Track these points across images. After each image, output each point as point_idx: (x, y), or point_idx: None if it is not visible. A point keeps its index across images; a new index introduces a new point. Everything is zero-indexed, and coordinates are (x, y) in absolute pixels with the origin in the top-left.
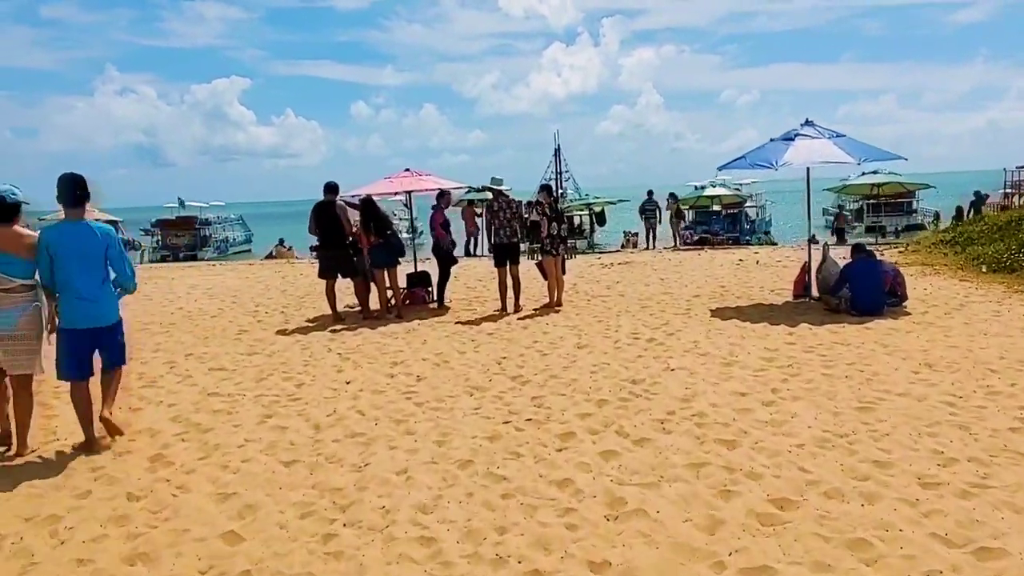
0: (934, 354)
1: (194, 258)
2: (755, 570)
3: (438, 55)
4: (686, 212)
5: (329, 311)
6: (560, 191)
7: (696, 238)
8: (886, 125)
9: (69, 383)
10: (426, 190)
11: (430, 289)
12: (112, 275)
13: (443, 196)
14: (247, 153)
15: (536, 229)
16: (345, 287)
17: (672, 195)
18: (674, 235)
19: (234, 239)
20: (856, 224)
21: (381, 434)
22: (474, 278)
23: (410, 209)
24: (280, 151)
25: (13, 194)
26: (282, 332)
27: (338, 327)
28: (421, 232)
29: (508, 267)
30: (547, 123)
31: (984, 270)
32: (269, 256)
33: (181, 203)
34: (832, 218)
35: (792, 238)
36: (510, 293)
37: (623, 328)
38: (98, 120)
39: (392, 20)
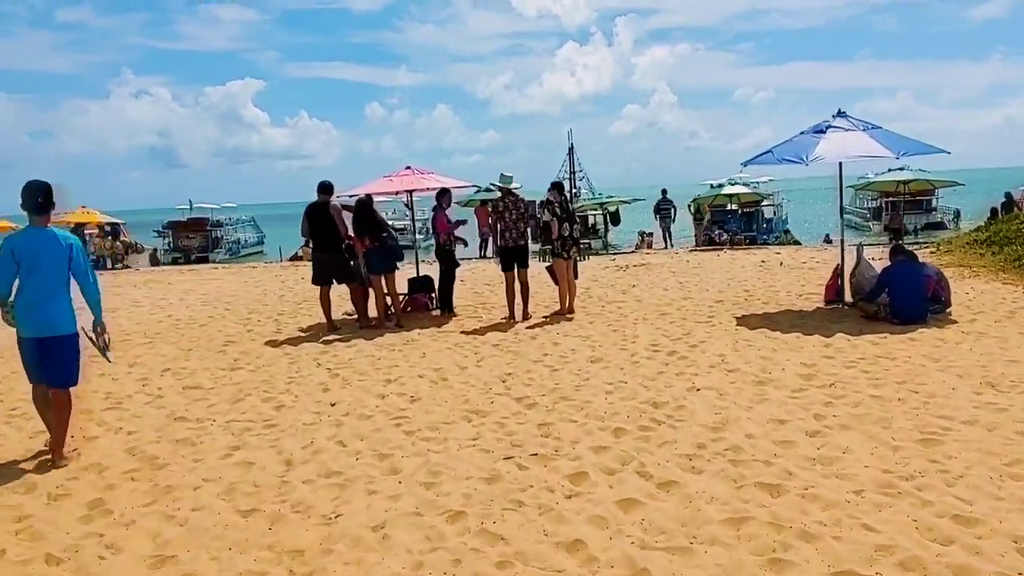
0: (994, 371)
1: (205, 260)
2: None
3: (451, 56)
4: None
5: (324, 320)
6: (574, 190)
7: (724, 238)
8: (903, 122)
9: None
10: (428, 189)
11: (433, 295)
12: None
13: (444, 195)
14: (261, 155)
15: (547, 230)
16: (343, 293)
17: (695, 200)
18: (696, 237)
19: (246, 241)
20: (874, 223)
21: (361, 473)
22: (482, 282)
23: (411, 209)
24: (294, 152)
25: None
26: (271, 343)
27: (332, 337)
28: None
29: (516, 271)
30: (560, 123)
31: None
32: (294, 257)
33: (191, 205)
34: (851, 216)
35: (809, 238)
36: (518, 299)
37: (641, 339)
38: (113, 122)
39: (405, 21)
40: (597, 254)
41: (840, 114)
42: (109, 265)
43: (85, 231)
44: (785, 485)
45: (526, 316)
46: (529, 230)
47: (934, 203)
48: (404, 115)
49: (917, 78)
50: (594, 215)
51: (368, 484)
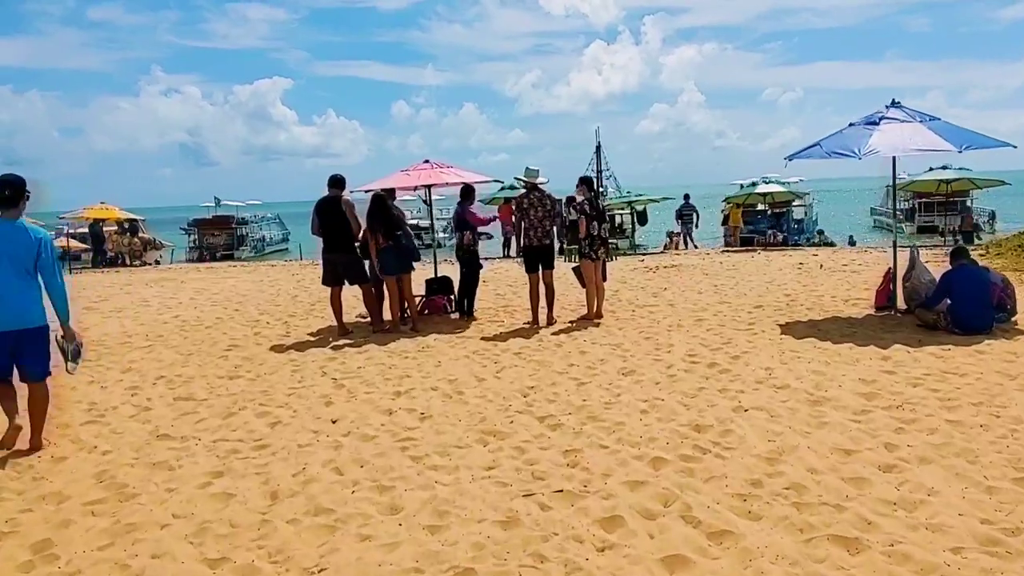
0: None
1: (231, 257)
2: None
3: (478, 54)
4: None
5: (335, 323)
6: (600, 189)
7: (780, 237)
8: None
9: None
10: (447, 184)
11: (452, 297)
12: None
13: (470, 193)
14: (289, 153)
15: (575, 229)
16: (357, 294)
17: (728, 200)
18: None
19: (271, 238)
20: (907, 224)
21: (355, 511)
22: (505, 283)
23: (430, 206)
24: (322, 151)
25: None
26: (277, 348)
27: (342, 342)
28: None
29: (540, 273)
30: (587, 122)
31: None
32: None
33: (217, 202)
34: (882, 217)
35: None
36: (543, 303)
37: (676, 348)
38: (144, 120)
39: (432, 20)
40: (624, 254)
41: (894, 104)
42: (127, 262)
43: (103, 227)
44: (865, 539)
45: (551, 321)
46: (555, 229)
47: (969, 204)
48: (431, 114)
49: (947, 78)
50: (621, 214)
51: (362, 526)
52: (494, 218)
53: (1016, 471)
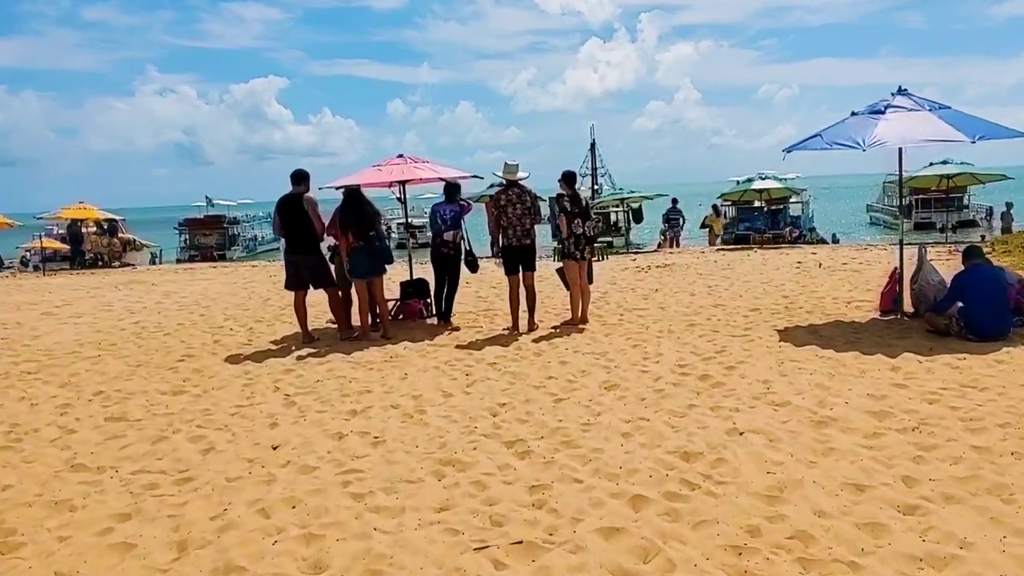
0: None
1: (223, 257)
2: None
3: (474, 53)
4: (727, 209)
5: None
6: (596, 186)
7: (796, 234)
8: None
9: None
10: (423, 180)
11: (428, 300)
12: None
13: (453, 189)
14: (285, 152)
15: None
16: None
17: (714, 206)
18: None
19: (263, 238)
20: (904, 221)
21: (271, 570)
22: (488, 285)
23: (404, 204)
24: (317, 150)
25: None
26: (233, 358)
27: (305, 352)
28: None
29: (521, 275)
30: (583, 120)
31: None
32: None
33: (209, 201)
34: (879, 214)
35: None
36: (524, 307)
37: (665, 357)
38: (139, 120)
39: (427, 19)
40: (618, 253)
41: (901, 91)
42: (107, 263)
43: (82, 227)
44: None
45: (532, 327)
46: (536, 227)
47: (966, 200)
48: (426, 112)
49: (943, 75)
50: (616, 212)
51: None
52: (470, 207)
53: None
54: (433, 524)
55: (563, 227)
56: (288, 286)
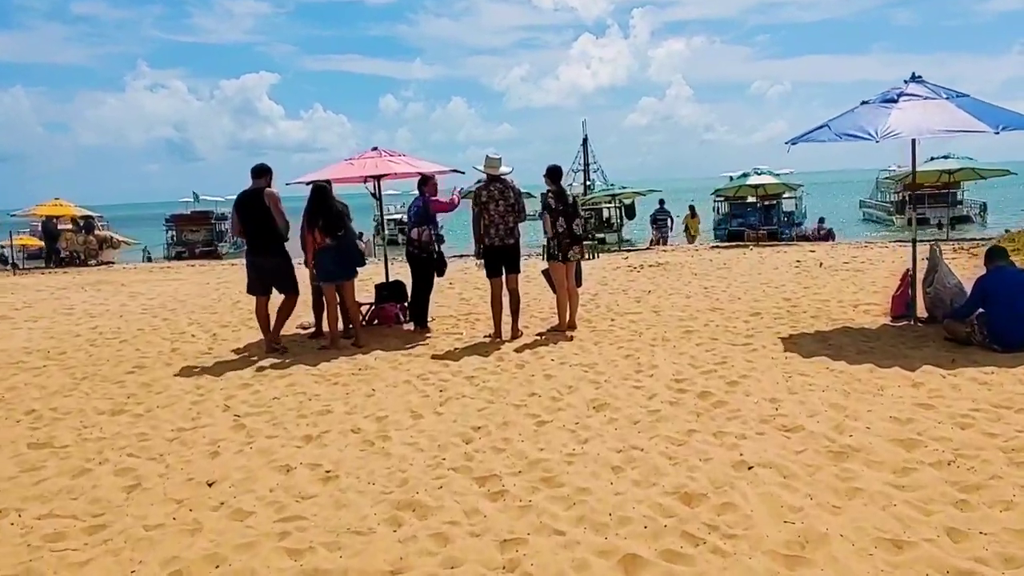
0: None
1: (210, 254)
2: None
3: (467, 48)
4: (720, 205)
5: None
6: (588, 182)
7: (825, 231)
8: None
9: None
10: (396, 175)
11: (406, 304)
12: None
13: (427, 183)
14: (276, 147)
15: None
16: (304, 299)
17: (690, 207)
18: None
19: None
20: (898, 216)
21: None
22: (472, 287)
23: (379, 200)
24: (309, 145)
25: None
26: (187, 370)
27: (267, 363)
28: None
29: (504, 277)
30: (576, 116)
31: None
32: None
33: (196, 197)
34: (872, 210)
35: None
36: (507, 311)
37: (660, 370)
38: (129, 115)
39: (419, 14)
40: (610, 251)
41: (915, 79)
42: (83, 261)
43: (58, 224)
44: None
45: (515, 334)
46: (520, 226)
47: (960, 196)
48: (419, 108)
49: (935, 72)
50: (608, 208)
51: None
52: (458, 201)
53: None
54: None
55: (546, 226)
56: (251, 290)
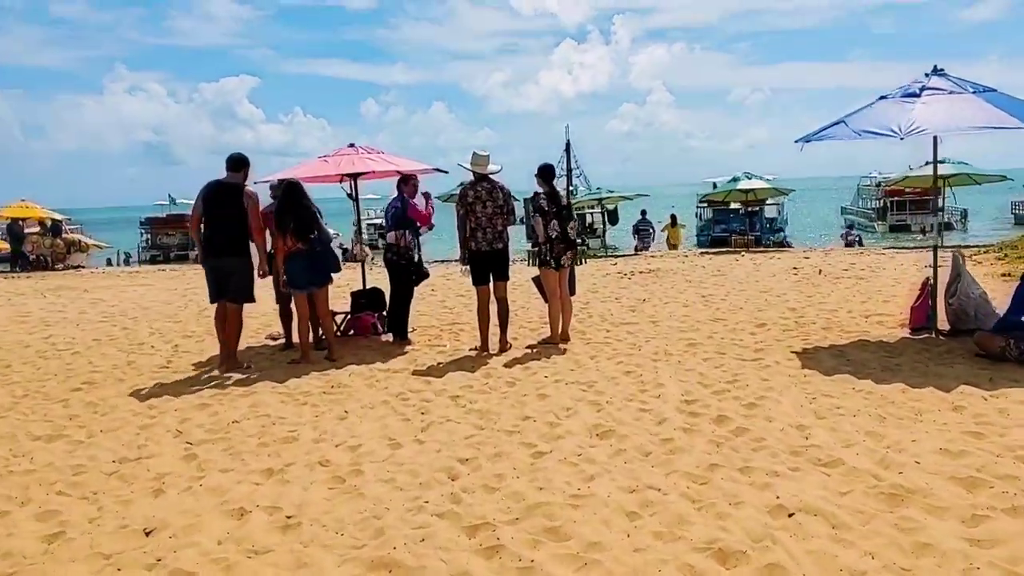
0: None
1: (186, 258)
2: None
3: (448, 53)
4: (703, 211)
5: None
6: (571, 187)
7: (854, 237)
8: None
9: None
10: (374, 173)
11: (384, 314)
12: None
13: (407, 182)
14: (256, 151)
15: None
16: (274, 308)
17: (672, 216)
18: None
19: None
20: (879, 223)
21: None
22: (456, 293)
23: (356, 201)
24: (289, 149)
25: None
26: (141, 387)
27: (229, 379)
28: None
29: (492, 285)
30: (557, 122)
31: None
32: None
33: (172, 200)
34: (853, 216)
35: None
36: (495, 321)
37: (668, 390)
38: (108, 118)
39: (400, 18)
40: (595, 256)
41: (937, 72)
42: (50, 265)
43: (24, 227)
44: None
45: (504, 347)
46: (509, 229)
47: (940, 202)
48: (399, 112)
49: (912, 79)
50: (592, 213)
51: None
52: (432, 211)
53: None
54: None
55: (538, 230)
56: (215, 298)
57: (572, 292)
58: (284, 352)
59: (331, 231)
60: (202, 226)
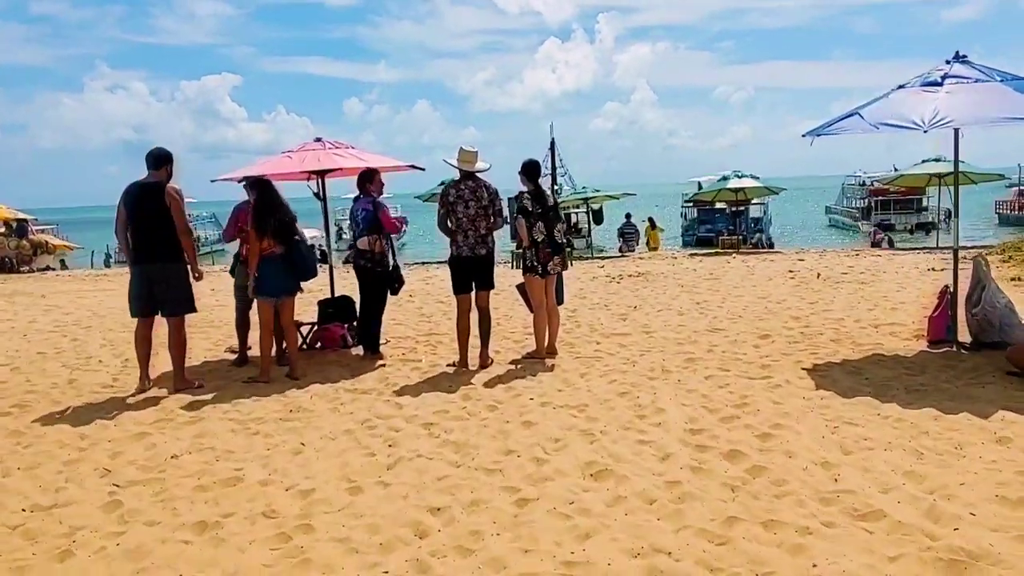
0: None
1: None
2: None
3: (431, 52)
4: (688, 211)
5: (172, 368)
6: (555, 187)
7: (881, 237)
8: None
9: None
10: (345, 171)
11: (354, 324)
12: None
13: (372, 179)
14: (238, 150)
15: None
16: (229, 321)
17: (650, 219)
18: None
19: (206, 238)
20: (863, 223)
21: None
22: (435, 300)
23: (324, 200)
24: (272, 148)
25: None
26: (77, 411)
27: (174, 402)
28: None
29: (474, 295)
30: (542, 120)
31: None
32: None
33: None
34: (838, 216)
35: (799, 241)
36: (475, 334)
37: (669, 415)
38: (88, 116)
39: (382, 16)
40: (582, 258)
41: (959, 58)
42: (15, 267)
43: None
44: None
45: (485, 362)
46: (494, 233)
47: (924, 202)
48: (383, 111)
49: (895, 78)
50: (577, 213)
51: None
52: (402, 222)
53: None
54: None
55: (521, 232)
56: (136, 311)
57: (560, 301)
58: (241, 368)
59: (314, 231)
60: (128, 234)
